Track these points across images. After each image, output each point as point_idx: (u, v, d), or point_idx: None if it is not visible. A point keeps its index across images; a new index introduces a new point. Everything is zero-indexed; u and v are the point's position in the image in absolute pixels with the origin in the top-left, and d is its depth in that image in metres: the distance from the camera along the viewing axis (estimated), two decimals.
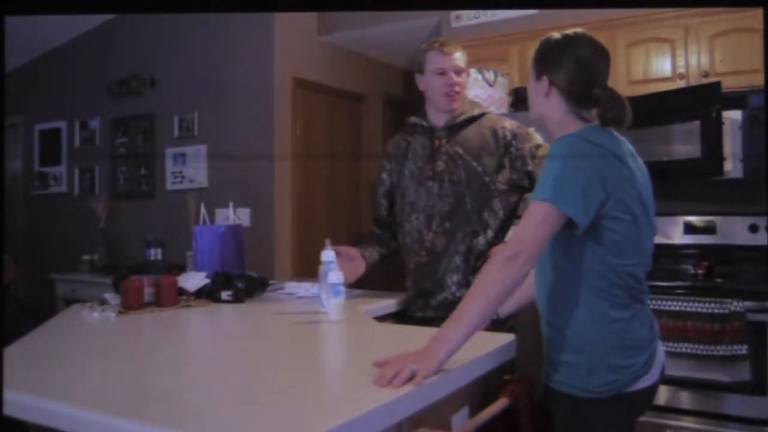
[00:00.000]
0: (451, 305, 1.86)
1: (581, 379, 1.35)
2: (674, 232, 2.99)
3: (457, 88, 1.97)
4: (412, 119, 2.09)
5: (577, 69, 1.39)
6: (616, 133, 1.41)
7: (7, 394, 1.12)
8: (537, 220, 1.27)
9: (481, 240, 1.94)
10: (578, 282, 1.35)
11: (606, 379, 1.34)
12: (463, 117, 2.00)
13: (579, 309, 1.35)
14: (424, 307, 2.01)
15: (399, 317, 2.09)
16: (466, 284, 1.91)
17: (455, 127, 2.00)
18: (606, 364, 1.34)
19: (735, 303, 2.42)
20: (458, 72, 1.97)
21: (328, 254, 1.82)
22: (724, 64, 2.90)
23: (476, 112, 2.03)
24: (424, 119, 2.05)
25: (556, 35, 1.44)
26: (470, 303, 1.26)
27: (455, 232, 1.94)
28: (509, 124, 2.00)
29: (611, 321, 1.34)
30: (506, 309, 1.66)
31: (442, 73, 1.97)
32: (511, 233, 1.36)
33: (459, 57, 1.97)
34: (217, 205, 3.33)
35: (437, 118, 2.02)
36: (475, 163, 1.95)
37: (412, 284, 2.08)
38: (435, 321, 1.89)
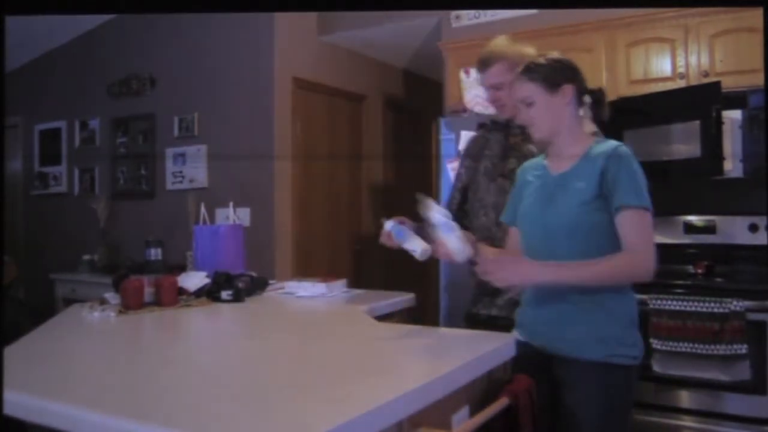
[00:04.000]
0: (516, 304, 1.87)
1: (630, 348, 1.52)
2: (674, 232, 3.00)
3: (500, 103, 1.98)
4: (493, 117, 2.10)
5: (582, 74, 1.61)
6: None
7: (7, 394, 1.12)
8: (651, 229, 1.48)
9: None
10: None
11: (640, 347, 1.55)
12: None
13: (623, 287, 1.54)
14: (489, 305, 1.99)
15: (464, 317, 2.07)
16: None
17: None
18: (637, 335, 1.55)
19: (735, 302, 2.43)
20: (496, 87, 1.97)
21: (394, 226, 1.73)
22: (724, 64, 2.90)
23: None
24: (501, 116, 2.05)
25: (543, 54, 1.62)
26: (593, 269, 1.47)
27: None
28: (587, 127, 1.98)
29: (633, 298, 1.57)
30: None
31: (486, 88, 2.02)
32: (632, 238, 1.46)
33: (494, 72, 1.96)
34: (217, 205, 3.34)
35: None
36: None
37: (478, 282, 2.00)
38: (500, 320, 1.91)
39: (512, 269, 1.50)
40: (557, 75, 1.57)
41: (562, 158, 1.60)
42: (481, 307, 2.00)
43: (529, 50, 1.98)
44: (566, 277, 1.49)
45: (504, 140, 2.02)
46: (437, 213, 1.57)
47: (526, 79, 1.58)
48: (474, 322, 1.99)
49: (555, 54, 1.62)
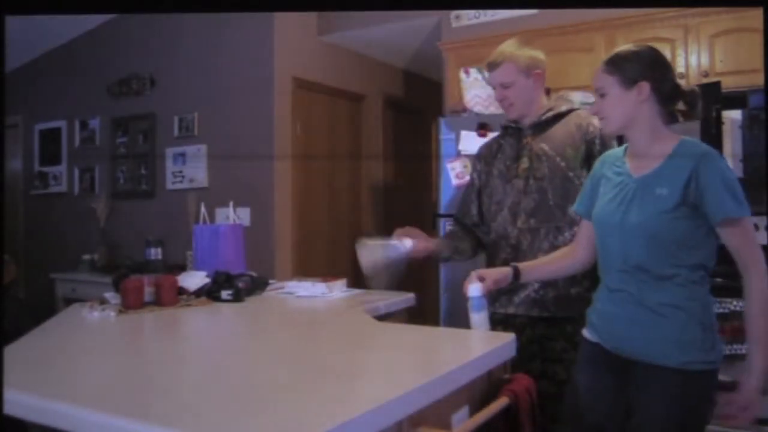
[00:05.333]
0: (533, 302, 1.91)
1: (708, 353, 1.45)
2: None
3: (507, 101, 2.01)
4: (505, 122, 2.12)
5: (670, 71, 1.56)
6: None
7: (7, 394, 1.12)
8: (754, 235, 1.47)
9: (566, 235, 1.93)
10: (700, 264, 1.48)
11: (718, 350, 1.48)
12: (549, 114, 2.01)
13: (702, 288, 1.48)
14: (507, 303, 2.00)
15: None
16: (549, 283, 1.91)
17: (541, 125, 2.01)
18: (716, 338, 1.48)
19: (735, 302, 2.42)
20: (504, 86, 2.00)
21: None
22: (724, 64, 2.90)
23: (564, 108, 2.03)
24: (514, 120, 2.07)
25: (633, 46, 1.56)
26: (765, 325, 1.41)
27: (539, 229, 1.95)
28: (597, 123, 1.99)
29: (711, 299, 1.51)
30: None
31: (494, 88, 2.05)
32: (745, 252, 1.44)
33: (501, 71, 2.00)
34: (217, 205, 3.34)
35: (524, 119, 2.05)
36: (558, 159, 1.96)
37: None
38: (518, 318, 1.93)
39: (746, 412, 1.42)
40: (636, 70, 1.51)
41: (643, 158, 1.53)
42: (499, 306, 2.00)
43: (539, 54, 2.01)
44: (764, 357, 1.41)
45: (516, 143, 2.04)
46: (476, 289, 1.66)
47: (605, 69, 1.54)
48: (491, 320, 1.99)
49: (644, 47, 1.56)
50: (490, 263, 2.06)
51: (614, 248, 1.54)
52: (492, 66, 2.02)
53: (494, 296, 2.02)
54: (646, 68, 1.51)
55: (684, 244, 1.45)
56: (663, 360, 1.45)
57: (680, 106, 1.55)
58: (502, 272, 1.72)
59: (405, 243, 1.92)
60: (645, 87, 1.50)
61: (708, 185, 1.42)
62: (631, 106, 1.51)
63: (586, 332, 1.63)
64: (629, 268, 1.50)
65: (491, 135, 2.24)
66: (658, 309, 1.47)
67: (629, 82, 1.51)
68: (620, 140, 1.80)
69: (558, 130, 1.99)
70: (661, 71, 1.53)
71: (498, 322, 1.94)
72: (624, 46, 1.57)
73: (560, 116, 2.01)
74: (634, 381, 1.50)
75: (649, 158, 1.52)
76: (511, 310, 1.97)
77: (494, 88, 2.05)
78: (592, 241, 1.66)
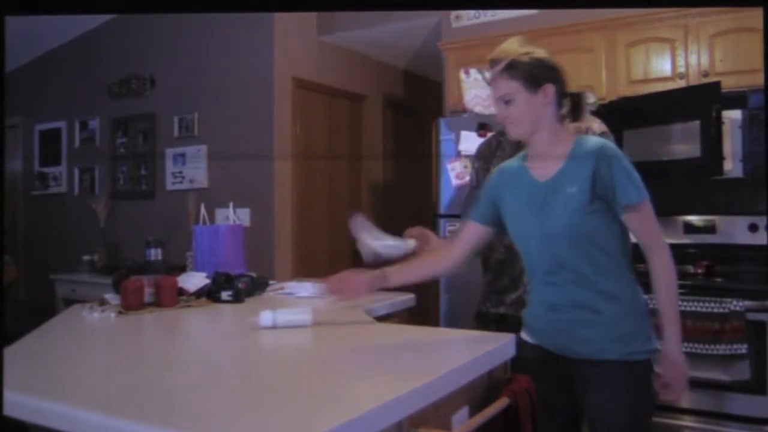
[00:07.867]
0: (523, 303, 1.87)
1: (645, 342, 1.49)
2: (674, 232, 3.00)
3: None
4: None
5: (563, 74, 1.59)
6: None
7: (7, 394, 1.12)
8: (655, 217, 1.50)
9: None
10: (623, 252, 1.52)
11: (654, 339, 1.51)
12: None
13: (630, 276, 1.52)
14: (498, 303, 2.00)
15: (474, 316, 2.08)
16: None
17: None
18: (651, 327, 1.51)
19: (735, 302, 2.43)
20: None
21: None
22: (724, 64, 2.90)
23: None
24: None
25: (536, 51, 1.59)
26: (674, 297, 1.49)
27: None
28: (597, 126, 1.95)
29: (641, 290, 1.54)
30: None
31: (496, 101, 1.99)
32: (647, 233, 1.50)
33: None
34: (217, 205, 3.34)
35: None
36: None
37: (488, 280, 2.06)
38: (508, 318, 1.92)
39: (680, 378, 1.48)
40: (539, 74, 1.54)
41: (545, 160, 1.56)
42: (490, 305, 2.01)
43: (541, 52, 1.99)
44: (678, 326, 1.48)
45: (517, 142, 2.02)
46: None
47: (507, 76, 1.56)
48: (484, 320, 2.00)
49: (539, 52, 1.58)
50: (484, 262, 2.06)
51: (538, 253, 1.57)
52: (493, 70, 1.99)
53: (486, 296, 2.04)
54: (548, 71, 1.56)
55: (603, 236, 1.49)
56: (605, 355, 1.49)
57: (566, 105, 1.60)
58: (374, 278, 1.67)
59: (408, 243, 1.89)
60: (550, 89, 1.54)
61: (610, 177, 1.47)
62: (538, 108, 1.55)
63: (525, 335, 1.64)
64: (556, 269, 1.53)
65: (490, 135, 2.22)
66: (592, 305, 1.50)
67: (534, 86, 1.54)
68: None
69: None
70: (559, 73, 1.58)
71: (491, 321, 1.95)
72: (515, 55, 1.59)
73: None
74: (581, 378, 1.53)
75: (551, 160, 1.55)
76: (501, 310, 1.98)
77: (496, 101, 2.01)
78: (470, 245, 1.68)
